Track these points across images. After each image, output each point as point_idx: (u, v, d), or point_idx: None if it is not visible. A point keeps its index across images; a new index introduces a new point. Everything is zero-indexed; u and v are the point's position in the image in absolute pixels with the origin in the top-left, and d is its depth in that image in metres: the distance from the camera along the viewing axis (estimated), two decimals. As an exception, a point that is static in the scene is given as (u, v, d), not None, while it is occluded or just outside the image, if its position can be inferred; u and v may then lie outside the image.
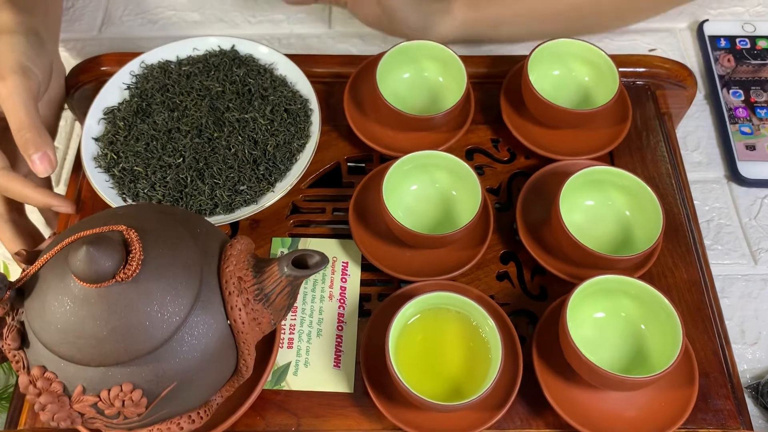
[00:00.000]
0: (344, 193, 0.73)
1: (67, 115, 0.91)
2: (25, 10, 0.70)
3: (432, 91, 0.76)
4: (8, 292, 0.50)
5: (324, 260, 0.52)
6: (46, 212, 0.75)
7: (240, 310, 0.51)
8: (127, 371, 0.49)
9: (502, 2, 0.82)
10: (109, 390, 0.49)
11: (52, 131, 0.76)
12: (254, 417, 0.60)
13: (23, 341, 0.51)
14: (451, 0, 0.81)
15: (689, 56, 0.92)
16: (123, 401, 0.49)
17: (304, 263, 0.53)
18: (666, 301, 0.59)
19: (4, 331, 0.52)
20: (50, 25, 0.76)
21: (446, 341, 0.61)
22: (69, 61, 0.94)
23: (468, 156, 0.75)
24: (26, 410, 0.61)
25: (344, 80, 0.77)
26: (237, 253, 0.54)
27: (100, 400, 0.49)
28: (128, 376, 0.49)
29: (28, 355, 0.51)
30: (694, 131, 0.87)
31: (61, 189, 0.87)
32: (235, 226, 0.70)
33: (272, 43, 0.95)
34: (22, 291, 0.51)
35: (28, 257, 0.53)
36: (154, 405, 0.50)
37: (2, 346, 0.51)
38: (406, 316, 0.59)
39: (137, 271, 0.48)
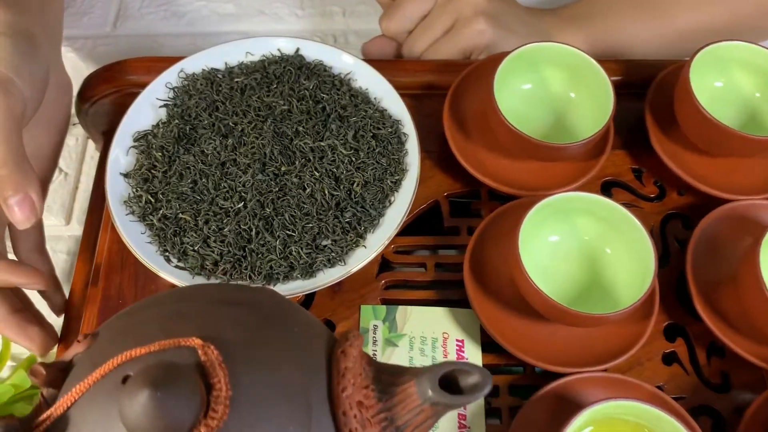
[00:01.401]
0: (448, 242, 0.57)
1: (77, 132, 0.74)
2: (14, 5, 0.52)
3: (557, 107, 0.59)
4: (23, 444, 0.33)
5: (486, 381, 0.36)
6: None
7: (366, 455, 0.35)
8: None
9: (623, 29, 0.67)
10: None
11: (48, 166, 0.56)
12: None
13: None
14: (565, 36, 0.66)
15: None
16: None
17: (454, 383, 0.36)
18: None
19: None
20: (49, 23, 0.57)
21: (624, 465, 0.44)
22: (77, 64, 0.77)
23: (604, 191, 0.59)
24: None
25: (438, 92, 0.60)
26: (353, 365, 0.37)
27: None
28: None
29: None
30: None
31: (73, 228, 0.70)
32: (310, 293, 0.53)
33: (325, 41, 0.78)
34: (44, 434, 0.34)
35: (50, 376, 0.36)
36: None
37: None
38: (573, 430, 0.43)
39: (224, 417, 0.31)
